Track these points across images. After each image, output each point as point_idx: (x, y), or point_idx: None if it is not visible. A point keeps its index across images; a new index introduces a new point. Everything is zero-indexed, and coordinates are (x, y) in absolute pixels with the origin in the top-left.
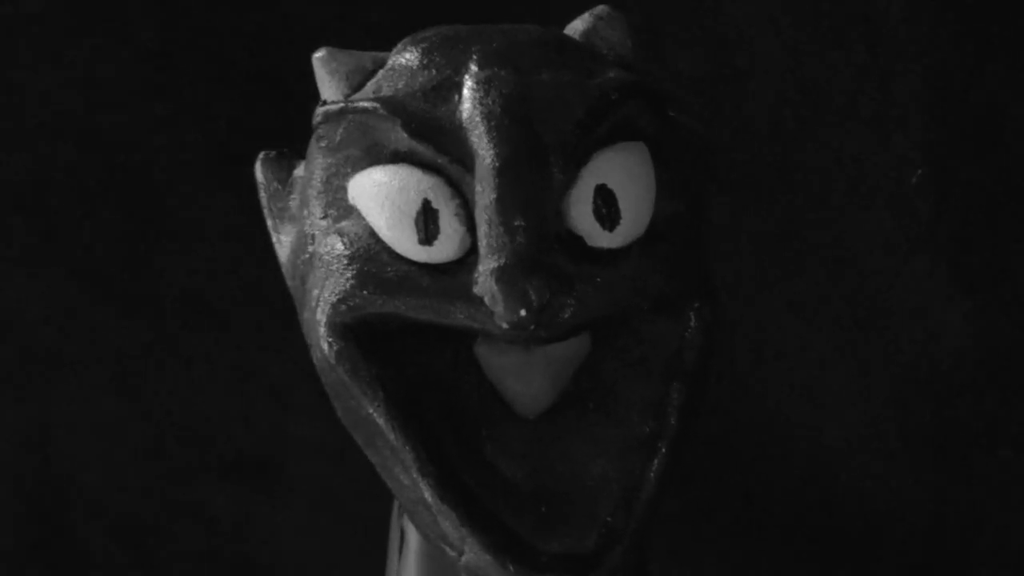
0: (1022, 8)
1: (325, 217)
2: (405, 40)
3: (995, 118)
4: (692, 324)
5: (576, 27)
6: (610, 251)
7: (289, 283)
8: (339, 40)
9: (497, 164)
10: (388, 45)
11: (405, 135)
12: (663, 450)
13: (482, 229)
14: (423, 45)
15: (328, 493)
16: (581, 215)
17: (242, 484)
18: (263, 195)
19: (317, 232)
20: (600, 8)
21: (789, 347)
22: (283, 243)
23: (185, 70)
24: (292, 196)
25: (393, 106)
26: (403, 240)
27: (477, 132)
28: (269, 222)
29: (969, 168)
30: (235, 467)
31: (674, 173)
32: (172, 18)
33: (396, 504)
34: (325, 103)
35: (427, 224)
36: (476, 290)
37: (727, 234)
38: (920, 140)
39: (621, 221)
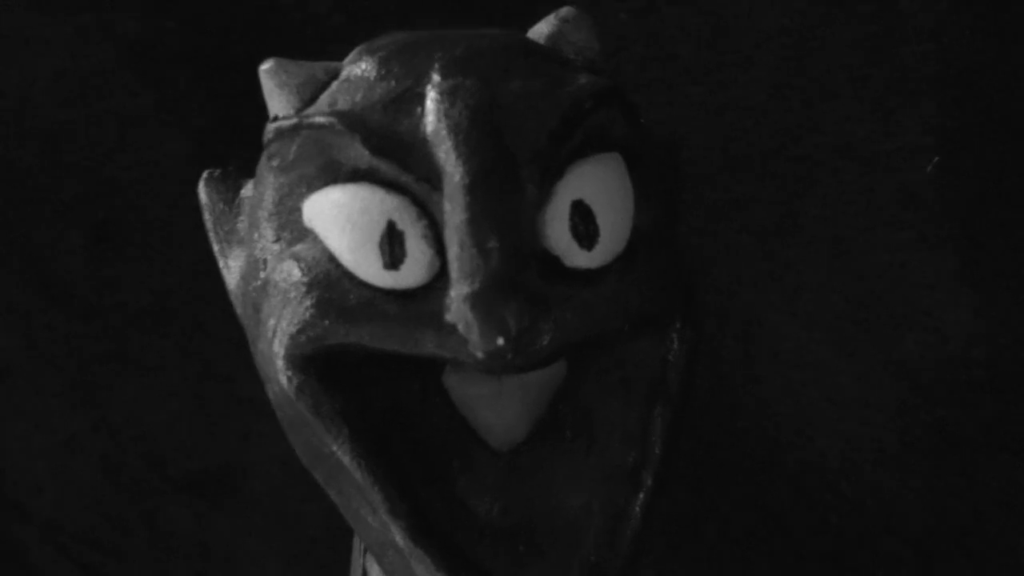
0: None
1: (278, 240)
2: (359, 49)
3: (1014, 104)
4: (675, 346)
5: (541, 30)
6: (588, 271)
7: (239, 311)
8: (329, 34)
9: (467, 181)
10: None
11: (366, 152)
12: (649, 482)
13: (453, 251)
14: (380, 54)
15: (291, 510)
16: (557, 233)
17: (202, 500)
18: (208, 217)
19: (269, 257)
20: (565, 10)
21: (785, 345)
22: (231, 268)
23: (165, 64)
24: (240, 218)
25: (351, 121)
26: (366, 265)
27: (444, 147)
28: (215, 246)
29: (983, 157)
30: (195, 482)
31: (649, 183)
32: (156, 8)
33: (357, 542)
34: (276, 119)
35: (392, 247)
36: (448, 317)
37: (723, 225)
38: (932, 126)
39: (599, 239)
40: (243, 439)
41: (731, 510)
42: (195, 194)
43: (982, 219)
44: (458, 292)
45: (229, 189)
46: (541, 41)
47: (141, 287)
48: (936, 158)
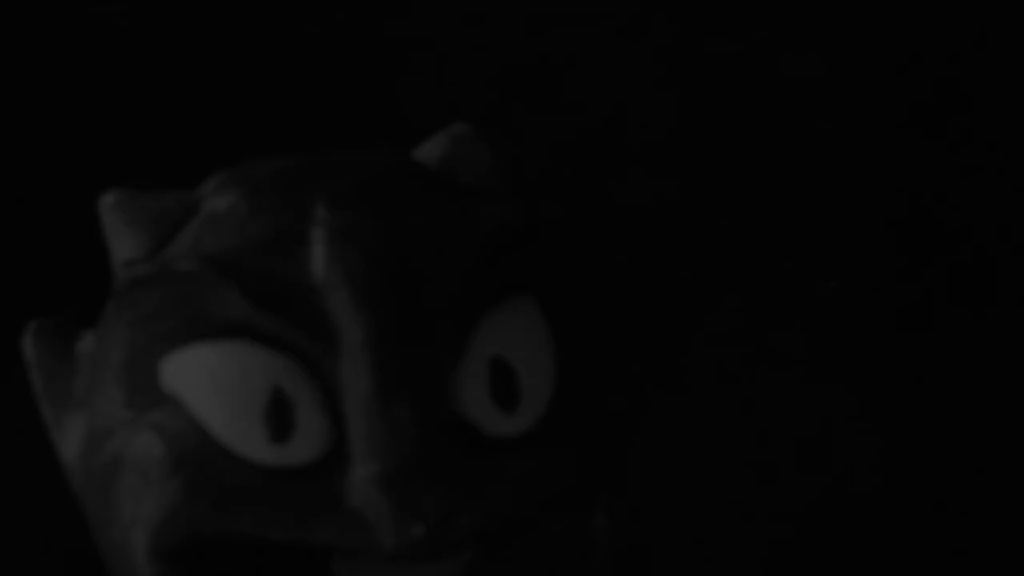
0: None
1: (129, 406)
2: (220, 177)
3: (933, 226)
4: (603, 522)
5: (431, 152)
6: (508, 439)
7: (77, 488)
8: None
9: (370, 338)
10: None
11: (244, 304)
12: None
13: (357, 424)
14: (249, 185)
15: None
16: (475, 397)
17: None
18: (37, 376)
19: (116, 425)
20: (457, 128)
21: (659, 495)
22: (67, 438)
23: None
24: (76, 377)
25: (225, 267)
26: (247, 439)
27: (339, 298)
28: (47, 410)
29: (893, 282)
30: None
31: (565, 327)
32: None
33: None
34: (133, 264)
35: (280, 418)
36: (351, 501)
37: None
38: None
39: (521, 402)
40: None
41: None
42: None
43: (888, 352)
44: (365, 473)
45: (61, 343)
46: (433, 164)
47: None
48: (833, 282)
